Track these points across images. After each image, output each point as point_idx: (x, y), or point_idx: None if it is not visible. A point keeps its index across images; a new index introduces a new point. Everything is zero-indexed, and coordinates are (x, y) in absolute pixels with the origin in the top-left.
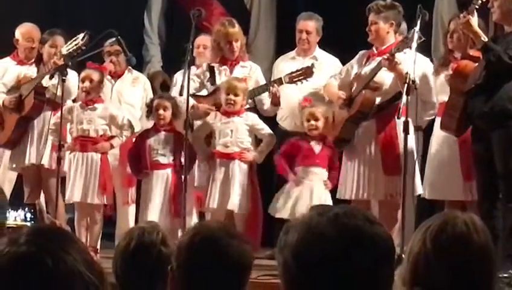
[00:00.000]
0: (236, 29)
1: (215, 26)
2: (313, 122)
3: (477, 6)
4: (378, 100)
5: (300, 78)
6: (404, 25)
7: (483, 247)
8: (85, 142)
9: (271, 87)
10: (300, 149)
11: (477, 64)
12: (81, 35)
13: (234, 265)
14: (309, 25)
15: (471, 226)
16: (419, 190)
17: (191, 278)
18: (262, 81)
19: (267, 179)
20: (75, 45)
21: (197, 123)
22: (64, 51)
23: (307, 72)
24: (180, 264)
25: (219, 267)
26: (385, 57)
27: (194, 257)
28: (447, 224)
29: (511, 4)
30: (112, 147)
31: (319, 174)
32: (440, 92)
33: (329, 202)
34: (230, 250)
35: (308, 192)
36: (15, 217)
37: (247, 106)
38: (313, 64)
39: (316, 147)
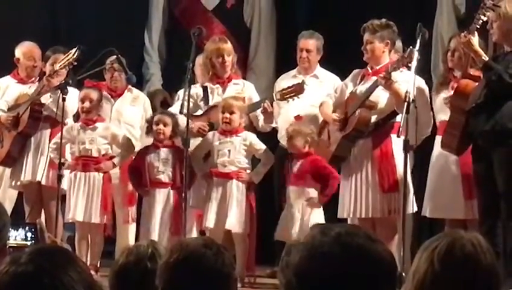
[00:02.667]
0: (229, 45)
1: (207, 44)
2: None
3: (478, 26)
4: (373, 118)
5: (291, 94)
6: (399, 43)
7: (490, 268)
8: (87, 162)
9: (263, 104)
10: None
11: (477, 83)
12: (73, 50)
13: (213, 274)
14: (309, 43)
15: (478, 247)
16: (414, 208)
17: None
18: (256, 98)
19: (266, 199)
20: (67, 60)
21: (192, 141)
22: (57, 66)
23: (297, 89)
24: (163, 287)
25: (198, 279)
26: (381, 75)
27: (173, 277)
28: (454, 245)
29: (510, 24)
30: (114, 166)
31: (297, 193)
32: (440, 111)
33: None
34: (206, 261)
35: (298, 214)
36: (15, 237)
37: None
38: (303, 81)
39: (294, 166)
